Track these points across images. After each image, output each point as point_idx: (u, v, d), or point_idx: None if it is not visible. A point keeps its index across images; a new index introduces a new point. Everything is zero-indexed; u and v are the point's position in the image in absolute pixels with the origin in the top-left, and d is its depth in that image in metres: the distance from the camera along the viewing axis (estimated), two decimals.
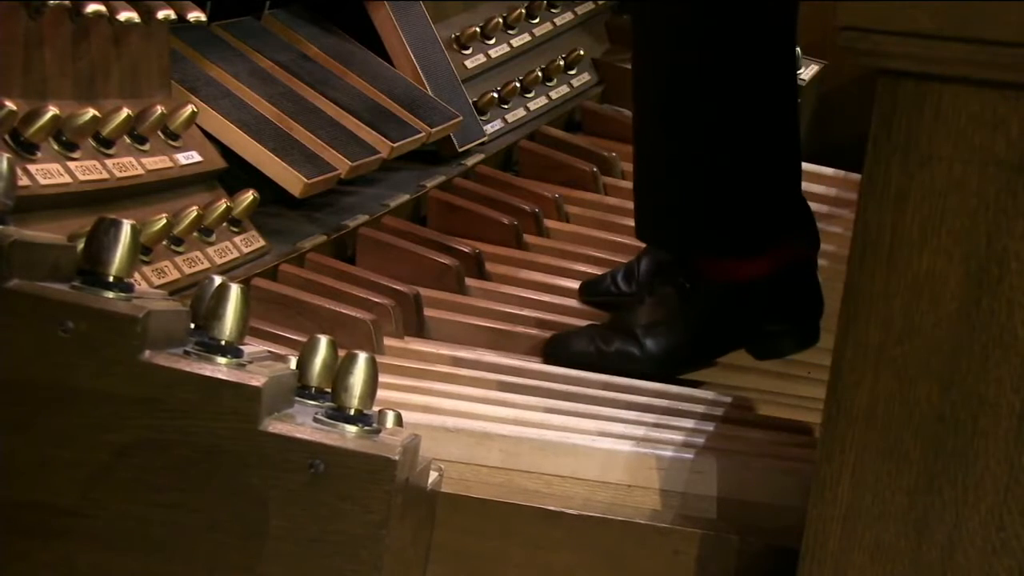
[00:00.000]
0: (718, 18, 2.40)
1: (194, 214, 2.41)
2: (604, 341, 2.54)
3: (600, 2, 4.06)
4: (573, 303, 2.82)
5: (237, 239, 2.56)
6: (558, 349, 2.56)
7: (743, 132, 2.46)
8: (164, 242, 2.37)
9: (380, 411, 1.70)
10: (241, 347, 1.58)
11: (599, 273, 2.91)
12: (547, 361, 2.54)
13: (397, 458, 1.53)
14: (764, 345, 2.57)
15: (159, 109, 2.44)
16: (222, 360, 1.55)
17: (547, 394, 2.30)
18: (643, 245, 2.79)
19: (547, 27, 3.81)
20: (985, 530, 1.57)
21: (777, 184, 2.53)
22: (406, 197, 3.04)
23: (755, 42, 2.43)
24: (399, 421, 1.75)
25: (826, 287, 2.57)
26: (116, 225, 1.56)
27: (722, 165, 2.47)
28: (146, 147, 2.43)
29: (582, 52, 3.81)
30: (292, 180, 2.71)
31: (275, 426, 1.53)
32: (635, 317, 2.57)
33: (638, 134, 2.60)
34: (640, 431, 2.08)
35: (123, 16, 2.36)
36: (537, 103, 3.63)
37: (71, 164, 2.24)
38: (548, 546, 1.80)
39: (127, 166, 2.36)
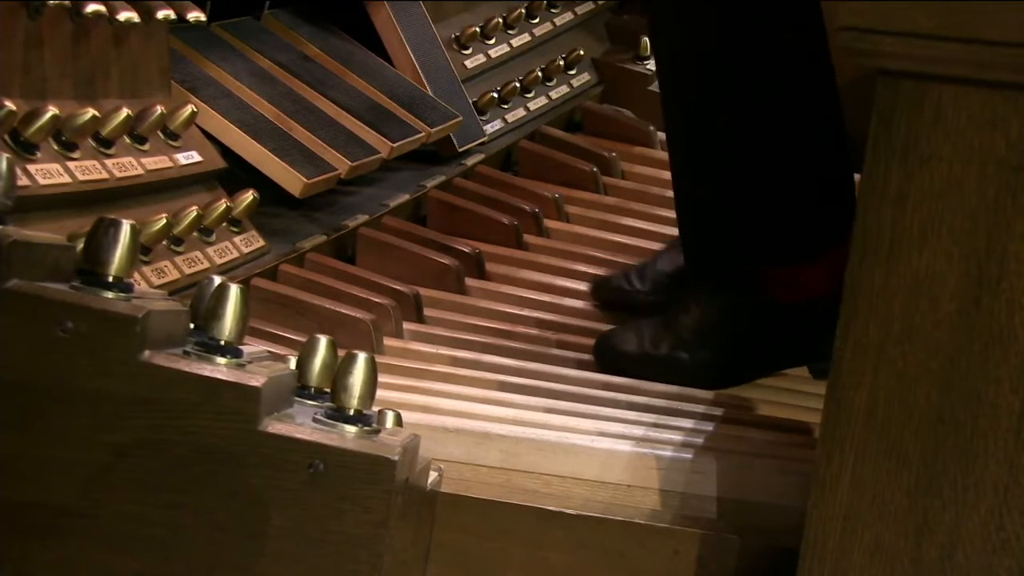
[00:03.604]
0: (748, 23, 2.37)
1: (194, 214, 2.41)
2: (653, 343, 2.48)
3: (600, 2, 4.06)
4: (573, 303, 2.82)
5: (237, 239, 2.56)
6: (606, 350, 2.51)
7: (790, 137, 2.41)
8: (164, 242, 2.37)
9: (380, 411, 1.70)
10: (241, 347, 1.58)
11: (600, 273, 2.91)
12: (596, 361, 2.50)
13: (397, 458, 1.53)
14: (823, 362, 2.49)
15: (159, 109, 2.44)
16: (222, 360, 1.55)
17: (547, 394, 2.30)
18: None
19: (547, 27, 3.81)
20: (985, 530, 1.57)
21: (831, 186, 2.46)
22: (406, 197, 3.04)
23: (785, 38, 2.39)
24: (399, 421, 1.75)
25: None
26: (116, 225, 1.56)
27: (772, 173, 2.41)
28: (146, 147, 2.43)
29: (582, 52, 3.81)
30: (292, 180, 2.71)
31: (275, 426, 1.53)
32: (687, 320, 2.50)
33: (678, 157, 2.53)
34: (640, 431, 2.08)
35: (123, 16, 2.36)
36: (537, 103, 3.63)
37: (71, 164, 2.24)
38: (548, 546, 1.80)
39: (127, 166, 2.36)
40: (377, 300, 2.58)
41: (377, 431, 1.59)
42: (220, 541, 1.53)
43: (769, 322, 2.46)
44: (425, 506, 1.75)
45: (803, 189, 2.44)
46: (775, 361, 2.52)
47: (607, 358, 2.50)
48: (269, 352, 1.86)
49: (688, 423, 2.18)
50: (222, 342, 1.57)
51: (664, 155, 3.49)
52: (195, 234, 2.45)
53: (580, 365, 2.52)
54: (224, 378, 1.52)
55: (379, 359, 2.06)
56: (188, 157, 2.52)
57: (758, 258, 2.47)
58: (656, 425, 2.14)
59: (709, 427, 2.17)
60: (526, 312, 2.74)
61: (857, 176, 1.64)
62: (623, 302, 2.76)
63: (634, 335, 2.51)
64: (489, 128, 3.43)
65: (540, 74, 3.65)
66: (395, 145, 3.02)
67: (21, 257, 1.52)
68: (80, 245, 1.60)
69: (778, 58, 2.39)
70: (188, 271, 2.39)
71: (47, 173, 2.18)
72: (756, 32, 2.38)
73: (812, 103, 2.43)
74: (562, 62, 3.75)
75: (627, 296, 2.76)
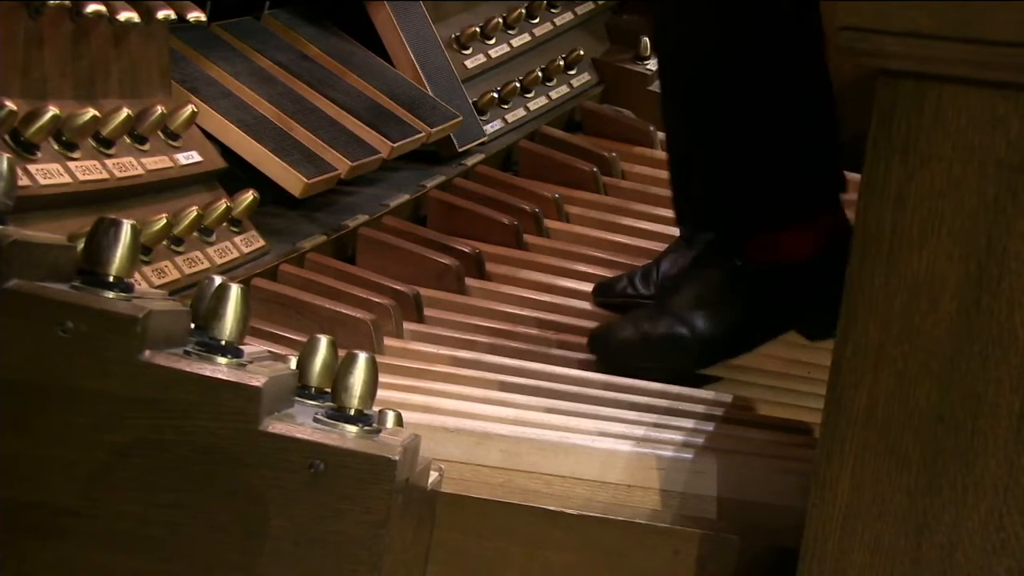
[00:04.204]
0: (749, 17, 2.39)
1: (194, 214, 2.41)
2: (650, 324, 2.47)
3: (600, 2, 4.06)
4: (573, 303, 2.82)
5: (237, 239, 2.56)
6: (601, 341, 2.50)
7: (779, 103, 2.42)
8: (164, 242, 2.37)
9: (380, 411, 1.70)
10: (241, 347, 1.58)
11: (600, 273, 2.91)
12: (594, 356, 2.49)
13: (397, 458, 1.53)
14: (816, 325, 2.49)
15: (159, 109, 2.44)
16: (222, 360, 1.55)
17: (547, 394, 2.30)
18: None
19: (547, 27, 3.81)
20: (985, 530, 1.57)
21: (817, 153, 2.48)
22: (406, 197, 3.04)
23: (776, 13, 2.40)
24: (399, 421, 1.75)
25: None
26: (116, 225, 1.56)
27: (762, 138, 2.43)
28: (146, 147, 2.43)
29: (582, 52, 3.81)
30: (292, 180, 2.71)
31: (275, 426, 1.53)
32: (680, 299, 2.49)
33: (670, 122, 2.56)
34: (640, 431, 2.08)
35: (123, 16, 2.36)
36: (537, 103, 3.63)
37: (71, 164, 2.24)
38: (548, 546, 1.80)
39: (127, 166, 2.36)
40: (377, 300, 2.58)
41: (377, 431, 1.58)
42: (220, 541, 1.53)
43: (761, 287, 2.47)
44: (425, 506, 1.75)
45: (794, 155, 2.45)
46: (772, 326, 2.52)
47: (605, 349, 2.49)
48: (269, 352, 1.86)
49: (688, 423, 2.18)
50: (222, 342, 1.57)
51: (664, 155, 3.50)
52: (195, 234, 2.45)
53: (581, 365, 2.52)
54: (224, 378, 1.52)
55: (379, 359, 2.06)
56: (188, 157, 2.52)
57: (751, 223, 2.48)
58: (657, 425, 2.14)
59: (709, 427, 2.17)
60: (526, 312, 2.74)
61: (857, 176, 1.63)
62: (627, 307, 2.76)
63: (628, 323, 2.51)
64: (489, 128, 3.43)
65: (540, 74, 3.65)
66: (395, 145, 3.02)
67: (21, 257, 1.52)
68: (80, 245, 1.60)
69: (777, 48, 2.40)
70: (188, 271, 2.39)
71: (47, 173, 2.18)
72: (757, 25, 2.39)
73: (803, 83, 2.44)
74: (562, 62, 3.75)
75: (631, 300, 2.76)
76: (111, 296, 1.54)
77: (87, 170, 2.27)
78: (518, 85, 3.56)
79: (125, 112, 2.33)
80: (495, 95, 3.47)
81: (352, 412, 1.58)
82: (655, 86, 3.79)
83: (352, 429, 1.56)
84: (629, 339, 2.47)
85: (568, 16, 3.91)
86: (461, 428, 1.99)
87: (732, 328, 2.48)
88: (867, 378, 1.58)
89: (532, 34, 3.75)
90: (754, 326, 2.51)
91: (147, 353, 1.52)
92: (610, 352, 2.47)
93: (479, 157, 3.34)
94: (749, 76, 2.41)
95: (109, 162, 2.32)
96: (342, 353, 1.63)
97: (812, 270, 2.45)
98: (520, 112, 3.56)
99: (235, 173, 2.68)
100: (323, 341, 1.67)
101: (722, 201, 2.49)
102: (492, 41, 3.61)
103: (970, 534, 1.57)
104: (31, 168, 2.15)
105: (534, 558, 1.80)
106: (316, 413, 1.59)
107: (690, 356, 2.42)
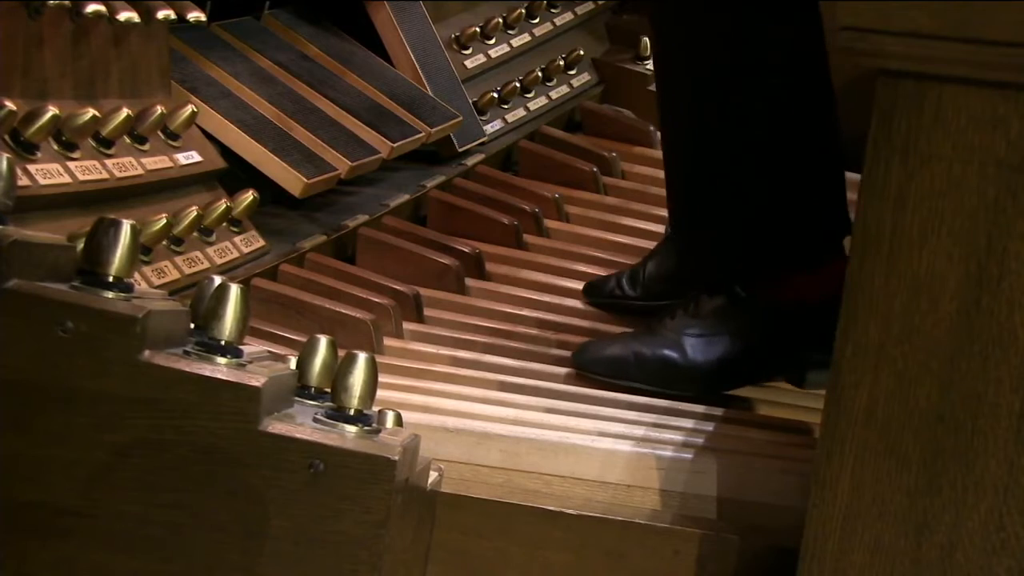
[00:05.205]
0: (750, 32, 2.36)
1: (194, 214, 2.42)
2: (644, 346, 2.43)
3: (600, 2, 4.06)
4: (573, 303, 2.82)
5: (237, 239, 2.56)
6: (590, 354, 2.46)
7: (795, 144, 2.39)
8: (164, 242, 2.38)
9: (380, 411, 1.70)
10: (241, 347, 1.58)
11: (599, 273, 2.91)
12: (577, 368, 2.45)
13: (397, 458, 1.53)
14: (810, 374, 2.44)
15: (159, 109, 2.44)
16: (222, 360, 1.55)
17: (547, 394, 2.30)
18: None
19: (547, 27, 3.81)
20: (985, 530, 1.57)
21: (830, 194, 2.43)
22: (406, 197, 3.04)
23: (785, 49, 2.37)
24: (399, 421, 1.75)
25: None
26: (116, 225, 1.56)
27: (779, 179, 2.39)
28: (146, 147, 2.43)
29: (582, 52, 3.81)
30: (292, 180, 2.71)
31: (275, 426, 1.53)
32: (678, 324, 2.45)
33: (675, 142, 2.52)
34: (640, 431, 2.08)
35: (123, 16, 2.36)
36: (537, 103, 3.63)
37: (71, 164, 2.24)
38: (548, 546, 1.80)
39: (127, 166, 2.36)
40: (377, 300, 2.58)
41: (377, 431, 1.58)
42: (220, 541, 1.53)
43: (762, 322, 2.43)
44: (425, 506, 1.75)
45: (809, 194, 2.42)
46: (769, 364, 2.47)
47: (593, 364, 2.44)
48: (269, 352, 1.86)
49: (688, 423, 2.18)
50: (222, 342, 1.57)
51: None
52: (195, 234, 2.45)
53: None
54: (224, 378, 1.52)
55: (379, 359, 2.06)
56: (188, 157, 2.52)
57: (764, 262, 2.43)
58: (656, 425, 2.14)
59: (709, 427, 2.17)
60: (526, 312, 2.74)
61: (857, 176, 1.63)
62: (615, 308, 2.75)
63: (616, 341, 2.47)
64: (489, 128, 3.43)
65: (540, 74, 3.65)
66: (395, 145, 3.02)
67: (21, 257, 1.52)
68: (80, 245, 1.60)
69: (784, 62, 2.38)
70: (188, 271, 2.39)
71: (47, 173, 2.18)
72: (762, 34, 2.37)
73: (817, 112, 2.42)
74: (562, 62, 3.75)
75: (619, 302, 2.75)
76: (111, 296, 1.54)
77: (87, 170, 2.27)
78: (518, 85, 3.56)
79: (125, 112, 2.33)
80: (495, 95, 3.47)
81: (352, 412, 1.58)
82: (655, 86, 3.79)
83: (352, 429, 1.56)
84: (620, 356, 2.42)
85: (568, 16, 3.91)
86: (461, 428, 1.99)
87: (727, 360, 2.42)
88: (867, 378, 1.58)
89: (532, 34, 3.75)
90: (751, 361, 2.44)
91: (147, 353, 1.52)
92: (597, 367, 2.44)
93: (479, 157, 3.34)
94: (768, 113, 2.37)
95: (109, 162, 2.32)
96: (342, 353, 1.63)
97: (817, 314, 2.38)
98: (520, 112, 3.56)
99: (235, 173, 2.68)
100: (323, 341, 1.67)
101: (735, 232, 2.43)
102: (492, 41, 3.61)
103: (970, 534, 1.58)
104: (31, 168, 2.15)
105: (534, 558, 1.80)
106: (316, 413, 1.59)
107: (681, 383, 2.39)
